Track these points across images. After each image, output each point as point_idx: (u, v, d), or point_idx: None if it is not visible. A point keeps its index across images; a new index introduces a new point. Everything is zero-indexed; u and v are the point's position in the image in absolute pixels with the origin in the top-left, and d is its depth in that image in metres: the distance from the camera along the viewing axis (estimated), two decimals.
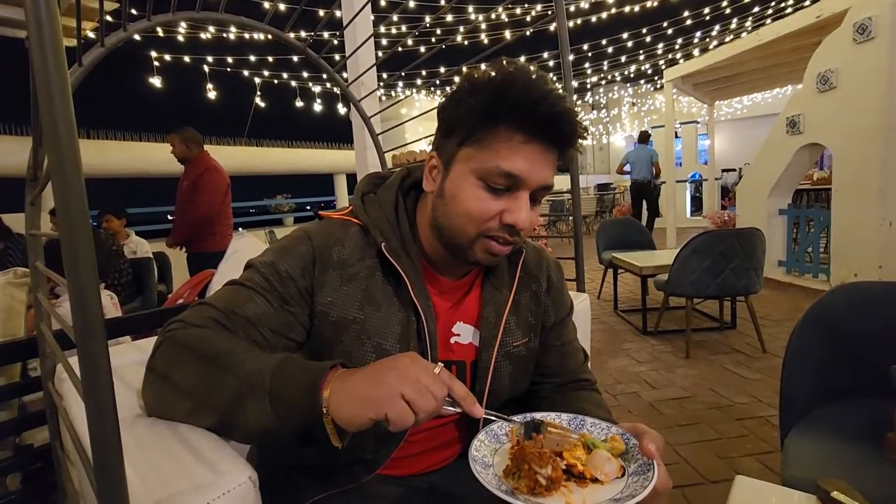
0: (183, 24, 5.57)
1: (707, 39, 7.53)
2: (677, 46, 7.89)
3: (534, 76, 0.63)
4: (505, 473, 0.53)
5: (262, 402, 0.53)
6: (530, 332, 0.81)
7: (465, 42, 6.85)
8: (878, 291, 1.23)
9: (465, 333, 0.77)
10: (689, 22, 6.91)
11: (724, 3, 6.51)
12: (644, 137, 7.08)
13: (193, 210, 3.19)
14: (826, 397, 1.18)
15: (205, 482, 0.46)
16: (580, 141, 0.66)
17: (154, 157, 7.08)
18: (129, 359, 0.83)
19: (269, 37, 1.26)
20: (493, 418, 0.61)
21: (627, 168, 7.01)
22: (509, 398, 0.81)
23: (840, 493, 0.73)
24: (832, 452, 1.01)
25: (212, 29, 5.75)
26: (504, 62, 0.65)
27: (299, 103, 8.04)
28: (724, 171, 9.57)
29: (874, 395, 1.07)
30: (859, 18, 3.44)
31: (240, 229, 1.67)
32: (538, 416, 0.63)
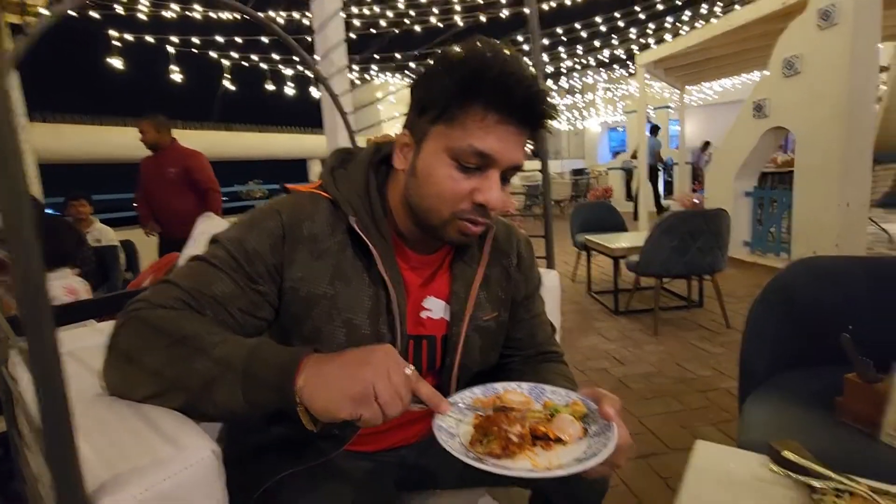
0: (144, 1, 5.32)
1: (679, 24, 7.62)
2: (650, 31, 7.96)
3: (509, 57, 0.63)
4: (471, 443, 0.54)
5: (234, 388, 0.52)
6: (500, 307, 0.82)
7: (440, 24, 6.75)
8: (831, 266, 1.29)
9: (436, 308, 0.78)
10: (660, 6, 6.97)
11: None
12: (655, 130, 8.48)
13: (211, 196, 3.19)
14: (782, 366, 1.24)
15: (166, 456, 0.45)
16: (551, 122, 0.68)
17: (116, 141, 6.81)
18: (90, 342, 0.81)
19: (238, 16, 1.22)
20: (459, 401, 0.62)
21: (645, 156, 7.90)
22: (479, 371, 0.82)
23: (790, 453, 0.77)
24: (786, 417, 1.06)
25: (175, 7, 5.51)
26: (479, 42, 0.65)
27: (270, 86, 7.80)
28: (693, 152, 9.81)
29: (827, 363, 1.12)
30: (823, 5, 3.54)
31: (210, 213, 1.64)
32: (499, 386, 0.65)
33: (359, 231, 0.70)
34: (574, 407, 0.60)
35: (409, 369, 0.55)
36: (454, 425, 0.58)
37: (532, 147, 0.71)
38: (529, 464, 0.51)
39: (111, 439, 0.49)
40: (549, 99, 0.65)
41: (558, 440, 0.54)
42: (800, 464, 0.74)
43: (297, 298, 0.68)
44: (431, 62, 0.67)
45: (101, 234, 3.81)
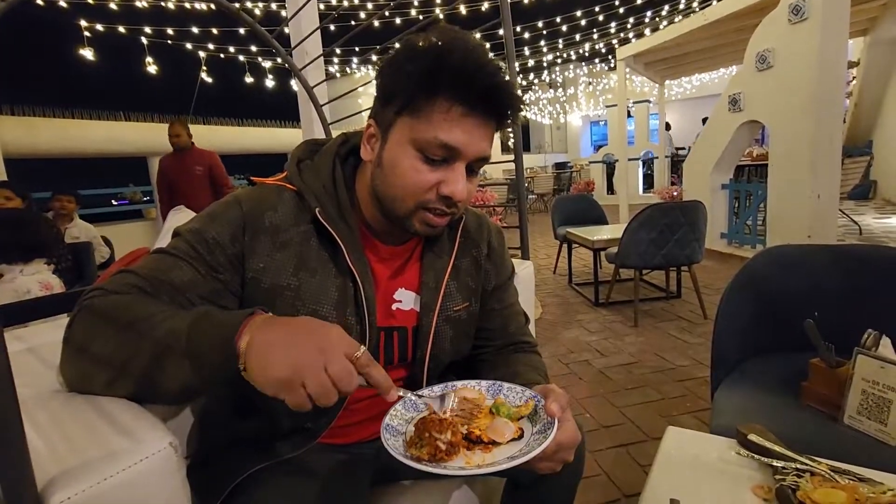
0: None
1: (657, 18, 7.70)
2: (629, 25, 8.03)
3: (472, 46, 0.62)
4: (409, 444, 0.55)
5: (181, 362, 0.51)
6: (471, 297, 0.82)
7: (420, 17, 6.70)
8: (796, 254, 1.32)
9: (406, 300, 0.78)
10: (639, 1, 7.03)
11: None
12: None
13: (225, 193, 3.36)
14: (753, 352, 1.27)
15: (120, 449, 0.44)
16: (518, 113, 0.67)
17: (91, 135, 6.61)
18: (49, 338, 0.78)
19: (213, 6, 1.19)
20: (420, 394, 0.62)
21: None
22: (451, 362, 0.82)
23: (756, 436, 0.79)
24: (754, 402, 1.08)
25: None
26: (442, 28, 0.64)
27: (249, 79, 7.67)
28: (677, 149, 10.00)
29: (794, 350, 1.15)
30: (794, 0, 3.60)
31: (182, 206, 1.61)
32: (459, 384, 0.65)
33: (324, 221, 0.69)
34: (523, 408, 0.60)
35: (360, 351, 0.52)
36: (402, 424, 0.59)
37: (510, 140, 0.71)
38: (463, 462, 0.52)
39: (65, 434, 0.48)
40: (513, 89, 0.65)
41: (492, 442, 0.55)
42: (764, 446, 0.76)
43: (260, 289, 0.67)
44: (395, 50, 0.67)
45: (81, 230, 3.72)
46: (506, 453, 0.53)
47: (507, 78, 0.64)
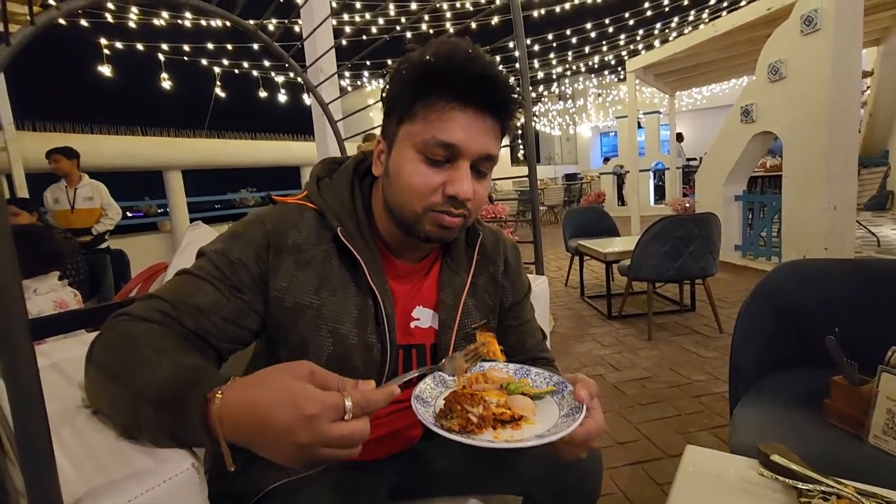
0: (134, 10, 5.31)
1: (667, 30, 7.72)
2: (639, 37, 8.06)
3: (460, 44, 0.64)
4: (439, 415, 0.56)
5: (157, 434, 0.50)
6: (488, 314, 0.82)
7: (431, 31, 6.80)
8: (817, 268, 1.30)
9: (424, 317, 0.78)
10: (649, 13, 7.06)
11: None
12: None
13: None
14: (771, 368, 1.24)
15: (144, 469, 0.44)
16: (518, 108, 0.67)
17: (109, 149, 6.74)
18: (74, 353, 0.80)
19: (228, 24, 1.22)
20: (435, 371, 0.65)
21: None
22: None
23: (778, 456, 0.77)
24: (775, 419, 1.06)
25: (165, 14, 5.50)
26: (440, 39, 0.65)
27: (262, 93, 7.81)
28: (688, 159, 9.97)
29: (814, 365, 1.13)
30: (806, 11, 3.59)
31: (199, 222, 1.62)
32: (487, 365, 0.68)
33: (345, 241, 0.69)
34: (537, 390, 0.63)
35: (348, 403, 0.46)
36: (432, 397, 0.61)
37: (520, 152, 0.71)
38: (492, 436, 0.53)
39: (90, 452, 0.48)
40: (505, 79, 0.64)
41: (521, 418, 0.56)
42: (787, 467, 0.74)
43: (283, 309, 0.68)
44: (395, 65, 0.68)
45: (94, 189, 3.72)
46: (533, 431, 0.54)
47: (497, 69, 0.64)
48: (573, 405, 0.58)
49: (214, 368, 0.57)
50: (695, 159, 9.64)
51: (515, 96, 0.66)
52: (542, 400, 0.62)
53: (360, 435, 0.46)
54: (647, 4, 6.89)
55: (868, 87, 6.75)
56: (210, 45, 6.65)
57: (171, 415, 0.48)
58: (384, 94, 0.69)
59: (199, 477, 0.47)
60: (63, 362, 0.77)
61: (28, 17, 0.83)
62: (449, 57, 0.62)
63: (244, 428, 0.46)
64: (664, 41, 6.81)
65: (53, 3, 0.93)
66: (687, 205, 3.67)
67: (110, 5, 4.98)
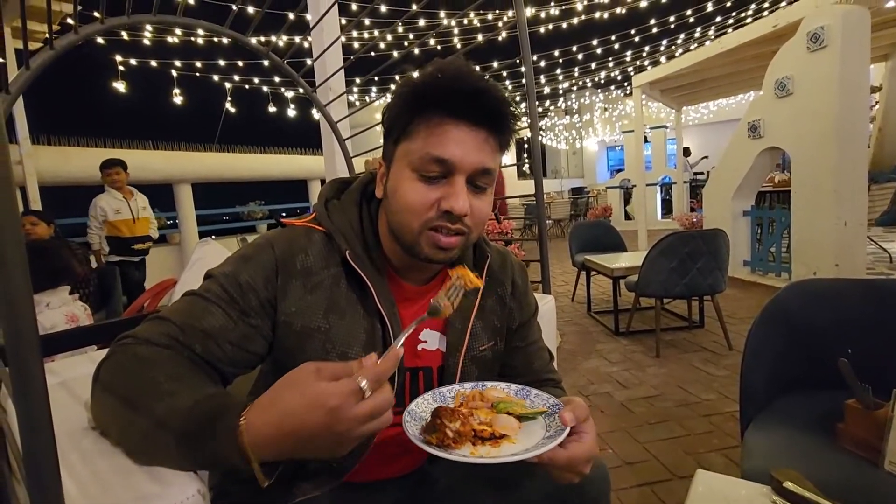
0: (149, 28, 5.44)
1: (673, 47, 7.77)
2: (645, 53, 8.11)
3: (453, 62, 0.65)
4: (424, 430, 0.59)
5: (175, 460, 0.52)
6: (496, 336, 0.82)
7: (438, 47, 6.89)
8: (829, 288, 1.28)
9: (431, 340, 0.78)
10: (655, 30, 7.12)
11: (689, 13, 6.74)
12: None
13: None
14: (783, 389, 1.22)
15: (150, 494, 0.44)
16: (515, 120, 0.67)
17: None
18: (82, 371, 0.80)
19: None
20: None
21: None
22: None
23: (791, 483, 0.75)
24: (787, 444, 1.04)
25: (178, 32, 5.63)
26: (434, 61, 0.66)
27: (272, 108, 7.93)
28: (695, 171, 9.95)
29: (826, 387, 1.11)
30: (812, 28, 3.60)
31: (211, 237, 1.64)
32: (489, 384, 0.69)
33: (353, 264, 0.70)
34: (528, 410, 0.63)
35: (363, 382, 0.49)
36: (427, 412, 0.63)
37: (499, 145, 0.69)
38: (469, 451, 0.55)
39: (95, 475, 0.48)
40: (498, 92, 0.64)
41: (503, 436, 0.58)
42: (801, 495, 0.73)
43: (292, 332, 0.68)
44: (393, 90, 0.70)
45: (144, 200, 4.07)
46: (511, 450, 0.56)
47: (490, 83, 0.65)
48: (559, 427, 0.58)
49: (232, 394, 0.57)
50: (702, 173, 9.62)
51: (511, 109, 0.66)
52: (531, 421, 0.62)
53: (386, 402, 0.51)
54: (652, 21, 6.95)
55: (877, 103, 6.72)
56: (221, 62, 6.79)
57: (199, 444, 0.49)
58: (383, 116, 0.70)
59: (205, 503, 0.47)
60: (72, 381, 0.77)
61: (46, 38, 0.85)
62: (440, 74, 0.63)
63: (281, 444, 0.49)
64: (670, 57, 6.86)
65: (72, 22, 0.95)
66: (694, 220, 3.64)
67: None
